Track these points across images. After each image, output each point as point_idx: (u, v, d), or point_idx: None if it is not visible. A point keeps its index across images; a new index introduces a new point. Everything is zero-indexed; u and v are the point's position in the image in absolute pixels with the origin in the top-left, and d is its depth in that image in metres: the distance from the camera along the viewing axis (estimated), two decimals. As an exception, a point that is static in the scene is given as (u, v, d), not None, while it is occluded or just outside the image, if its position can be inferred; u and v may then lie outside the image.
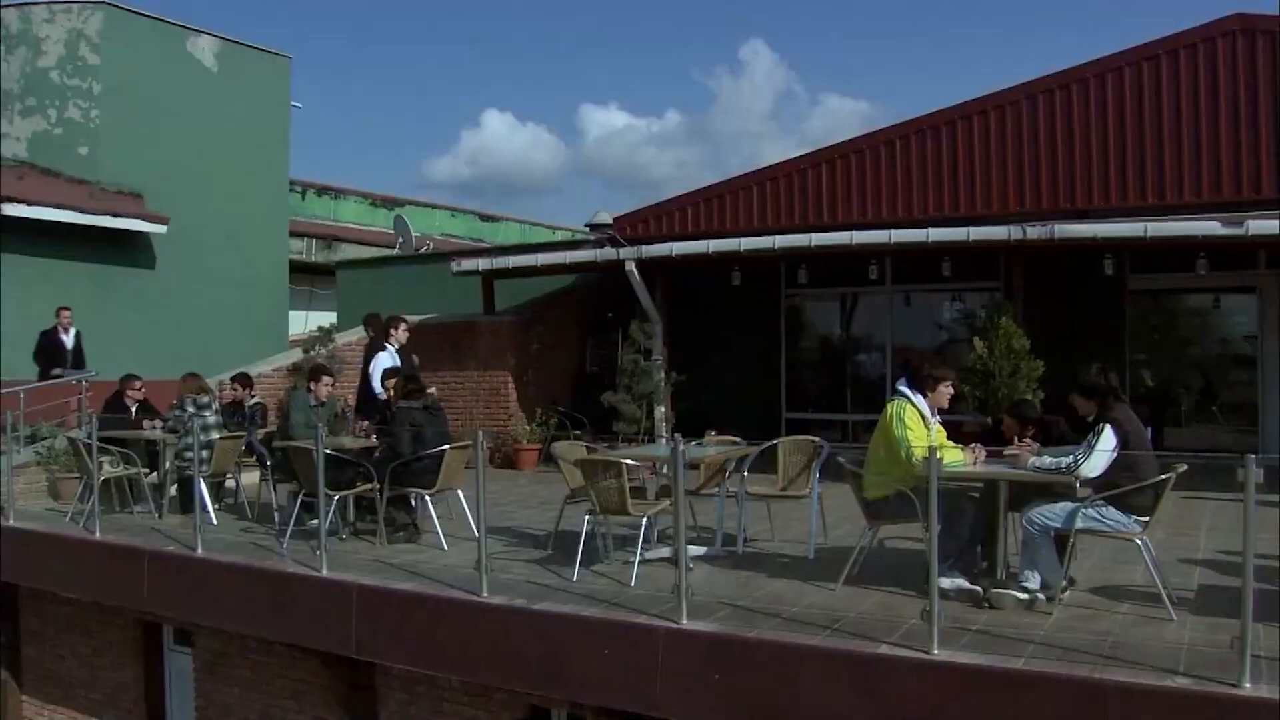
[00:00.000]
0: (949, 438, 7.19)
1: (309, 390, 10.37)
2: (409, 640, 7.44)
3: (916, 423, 6.81)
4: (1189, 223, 11.77)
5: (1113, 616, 6.23)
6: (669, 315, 14.82)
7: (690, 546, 8.04)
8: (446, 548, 8.74)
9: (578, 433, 13.79)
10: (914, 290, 16.11)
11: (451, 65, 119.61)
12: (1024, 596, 6.39)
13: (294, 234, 23.49)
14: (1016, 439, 7.20)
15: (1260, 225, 11.18)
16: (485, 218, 33.12)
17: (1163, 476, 6.22)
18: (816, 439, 8.68)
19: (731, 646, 6.03)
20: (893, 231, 13.18)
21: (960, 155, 14.77)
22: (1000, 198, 14.45)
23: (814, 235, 13.64)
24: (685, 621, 6.23)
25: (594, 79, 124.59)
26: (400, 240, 24.82)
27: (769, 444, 8.86)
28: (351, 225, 28.37)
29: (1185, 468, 6.22)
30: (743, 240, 13.88)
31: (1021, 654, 5.46)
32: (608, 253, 14.70)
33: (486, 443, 7.34)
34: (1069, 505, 6.40)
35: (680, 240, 14.73)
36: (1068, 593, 6.60)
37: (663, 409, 14.13)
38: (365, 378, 11.80)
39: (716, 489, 8.76)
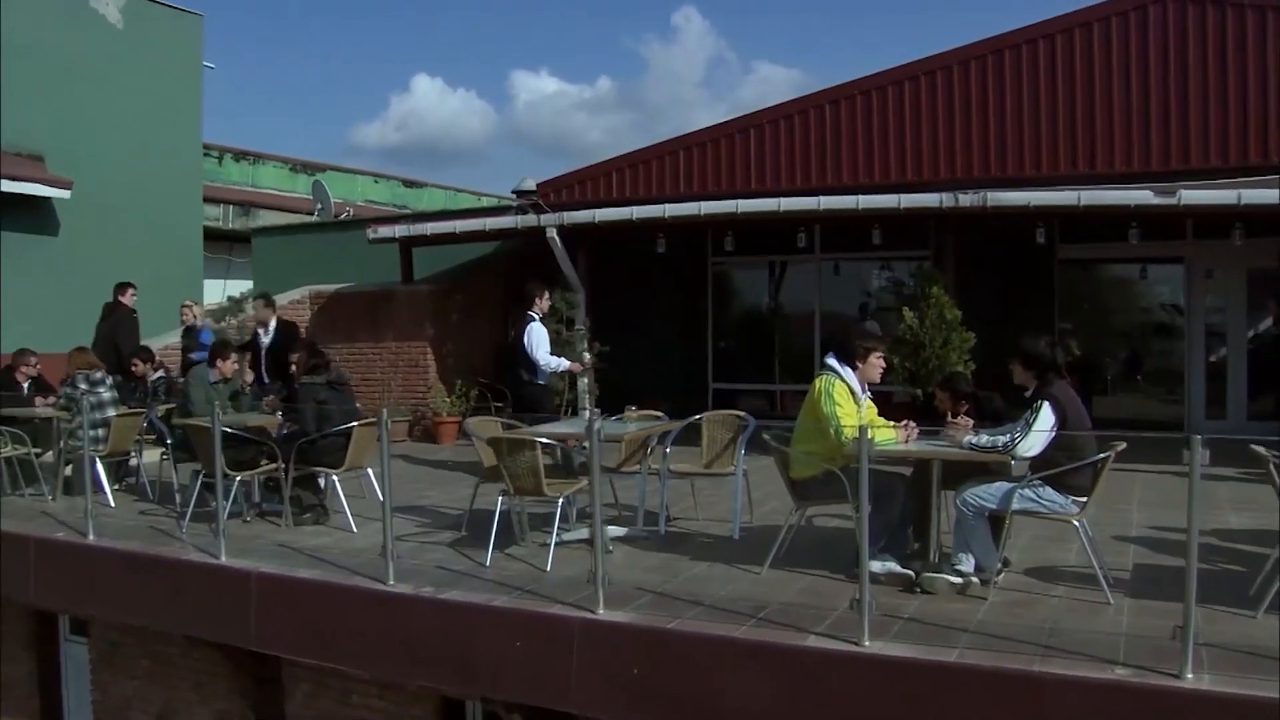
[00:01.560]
0: (879, 411, 6.92)
1: (214, 366, 9.88)
2: (310, 632, 7.00)
3: (846, 399, 6.48)
4: (1122, 192, 11.62)
5: (1048, 601, 5.99)
6: (593, 284, 14.41)
7: (610, 527, 7.73)
8: (355, 529, 8.34)
9: (499, 405, 13.35)
10: (843, 259, 15.86)
11: (380, 29, 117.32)
12: (957, 580, 6.10)
13: (209, 200, 22.62)
14: (950, 414, 6.91)
15: (1192, 195, 11.07)
16: (409, 184, 32.30)
17: (1101, 455, 5.97)
18: (742, 414, 8.36)
19: (651, 638, 5.68)
20: (822, 198, 12.84)
21: (891, 122, 14.53)
22: (931, 165, 14.27)
23: (741, 202, 13.33)
24: (602, 611, 5.87)
25: (525, 44, 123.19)
26: (319, 206, 24.01)
27: (692, 419, 8.52)
28: (270, 191, 27.49)
29: (1124, 445, 5.98)
30: (668, 207, 13.53)
31: (956, 644, 5.18)
32: (529, 219, 14.25)
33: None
34: (1005, 485, 6.12)
35: (604, 207, 14.31)
36: (1002, 575, 6.34)
37: (585, 381, 13.74)
38: (524, 353, 10.50)
39: (638, 466, 8.40)
